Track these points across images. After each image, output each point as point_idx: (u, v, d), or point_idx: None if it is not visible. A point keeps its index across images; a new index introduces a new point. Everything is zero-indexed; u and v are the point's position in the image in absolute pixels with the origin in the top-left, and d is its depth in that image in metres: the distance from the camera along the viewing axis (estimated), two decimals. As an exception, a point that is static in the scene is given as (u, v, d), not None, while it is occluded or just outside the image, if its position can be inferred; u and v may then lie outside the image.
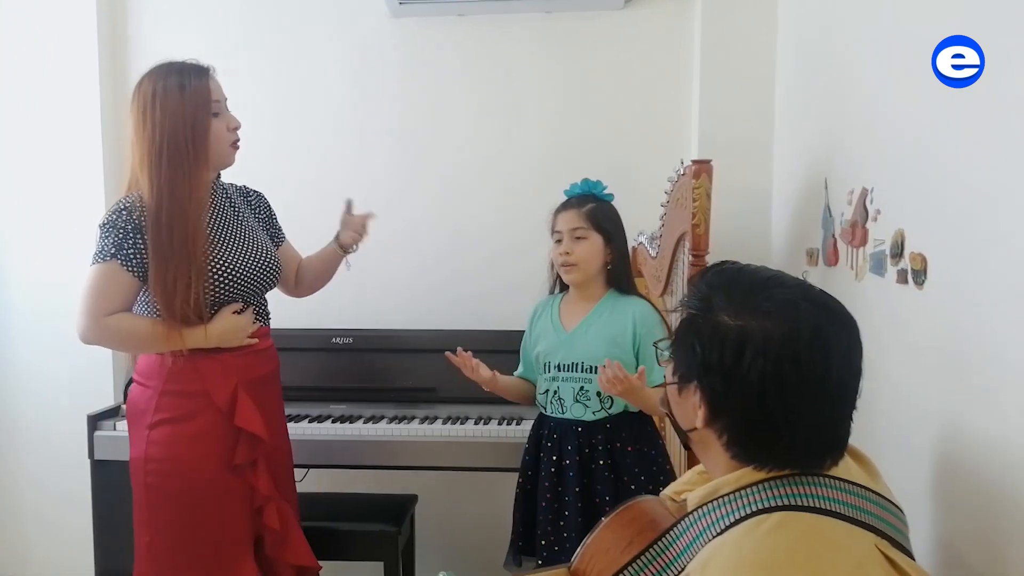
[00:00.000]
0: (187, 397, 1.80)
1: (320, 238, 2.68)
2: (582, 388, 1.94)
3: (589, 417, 1.94)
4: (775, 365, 0.91)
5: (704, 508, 0.97)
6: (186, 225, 1.76)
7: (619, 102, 2.64)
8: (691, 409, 0.99)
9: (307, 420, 2.35)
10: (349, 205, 2.13)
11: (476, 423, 2.30)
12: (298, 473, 2.49)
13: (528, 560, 1.97)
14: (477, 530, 2.75)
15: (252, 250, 1.91)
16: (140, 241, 1.76)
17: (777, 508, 0.91)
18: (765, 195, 2.47)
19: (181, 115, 1.75)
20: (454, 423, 2.30)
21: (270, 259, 1.96)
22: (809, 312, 0.93)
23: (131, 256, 1.75)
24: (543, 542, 1.91)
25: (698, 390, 0.98)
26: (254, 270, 1.89)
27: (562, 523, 1.89)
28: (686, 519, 1.00)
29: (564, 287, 2.07)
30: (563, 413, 1.96)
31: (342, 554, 2.28)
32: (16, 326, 2.82)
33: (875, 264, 1.62)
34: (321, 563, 2.53)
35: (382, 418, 2.34)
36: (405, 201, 2.72)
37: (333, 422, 2.33)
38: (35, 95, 2.75)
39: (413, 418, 2.34)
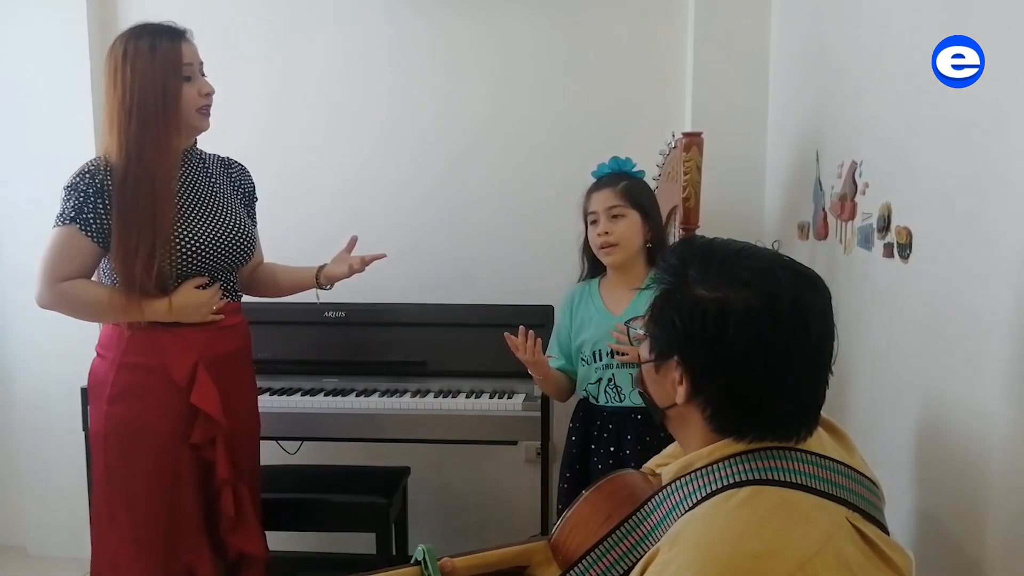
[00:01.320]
0: (145, 371, 1.77)
1: (310, 216, 2.70)
2: None
3: None
4: (758, 333, 0.91)
5: (677, 483, 0.98)
6: (153, 191, 1.72)
7: (613, 74, 2.61)
8: (670, 386, 0.99)
9: (299, 393, 2.36)
10: (352, 243, 2.10)
11: (468, 396, 2.30)
12: (291, 446, 2.52)
13: None
14: (470, 502, 2.77)
15: (224, 224, 1.86)
16: (101, 205, 1.72)
17: (748, 482, 0.91)
18: (759, 167, 2.46)
19: (151, 77, 1.71)
20: (445, 396, 2.31)
21: (243, 234, 1.90)
22: (787, 279, 0.94)
23: (90, 221, 1.73)
24: None
25: (679, 365, 0.97)
26: (224, 245, 1.85)
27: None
28: (659, 493, 1.01)
29: (595, 272, 2.01)
30: (621, 401, 1.89)
31: (335, 525, 2.30)
32: (10, 300, 2.82)
33: (863, 238, 1.61)
34: (315, 534, 2.58)
35: (374, 391, 2.35)
36: (397, 174, 2.71)
37: (325, 395, 2.34)
38: (25, 60, 2.72)
39: (405, 391, 2.34)
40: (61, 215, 1.74)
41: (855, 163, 1.66)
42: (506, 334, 1.86)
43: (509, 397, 2.28)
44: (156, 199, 1.72)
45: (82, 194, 1.73)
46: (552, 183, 2.59)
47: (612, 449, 1.89)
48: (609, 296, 1.95)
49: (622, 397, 1.89)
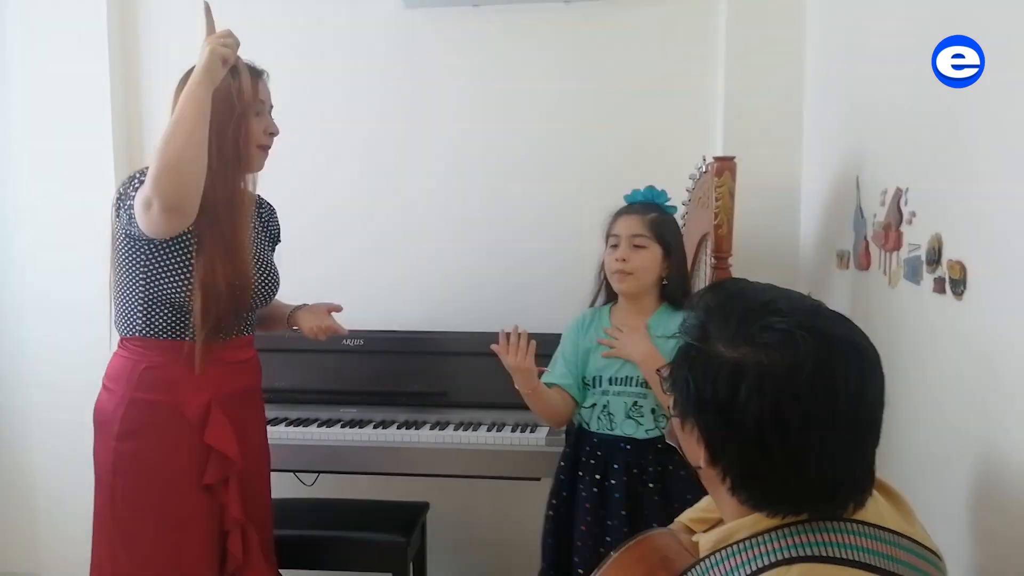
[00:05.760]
0: (155, 407, 1.70)
1: (330, 242, 2.64)
2: (635, 403, 1.82)
3: (641, 435, 1.80)
4: (773, 403, 0.82)
5: (718, 555, 0.88)
6: (240, 220, 1.71)
7: (640, 96, 2.52)
8: (695, 445, 0.90)
9: (316, 424, 2.29)
10: (334, 309, 1.98)
11: (489, 429, 2.22)
12: (308, 477, 2.45)
13: None
14: (491, 540, 2.67)
15: (258, 266, 1.83)
16: None
17: (798, 559, 0.81)
18: (794, 193, 2.35)
19: (230, 107, 1.66)
20: (466, 429, 2.22)
21: (272, 277, 1.88)
22: (809, 344, 0.83)
23: None
24: (580, 571, 1.78)
25: (695, 428, 0.89)
26: (256, 285, 1.81)
27: (603, 550, 1.74)
28: (699, 566, 0.91)
29: (608, 299, 1.95)
30: (611, 429, 1.83)
31: (350, 564, 2.21)
32: (29, 321, 2.79)
33: (910, 271, 1.51)
34: (328, 573, 2.49)
35: (392, 423, 2.27)
36: (417, 199, 2.64)
37: (342, 427, 2.27)
38: (45, 81, 2.70)
39: (424, 423, 2.27)
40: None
41: (900, 190, 1.56)
42: (492, 347, 1.77)
43: (532, 431, 2.19)
44: (243, 228, 1.72)
45: None
46: (579, 208, 2.50)
47: (598, 477, 1.83)
48: (616, 322, 1.89)
49: (613, 425, 1.84)
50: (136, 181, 1.65)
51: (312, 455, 2.24)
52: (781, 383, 0.82)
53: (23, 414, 2.83)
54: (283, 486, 2.38)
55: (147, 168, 1.64)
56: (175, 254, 1.68)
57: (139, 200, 1.58)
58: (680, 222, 2.11)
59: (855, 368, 0.84)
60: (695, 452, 0.91)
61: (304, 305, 1.99)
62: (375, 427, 2.26)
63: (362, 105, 2.65)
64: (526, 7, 2.55)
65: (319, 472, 2.40)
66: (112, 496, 1.72)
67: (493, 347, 1.77)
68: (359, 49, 2.64)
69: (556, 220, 2.57)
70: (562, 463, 1.92)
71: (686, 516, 1.16)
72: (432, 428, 2.24)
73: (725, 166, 1.86)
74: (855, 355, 0.85)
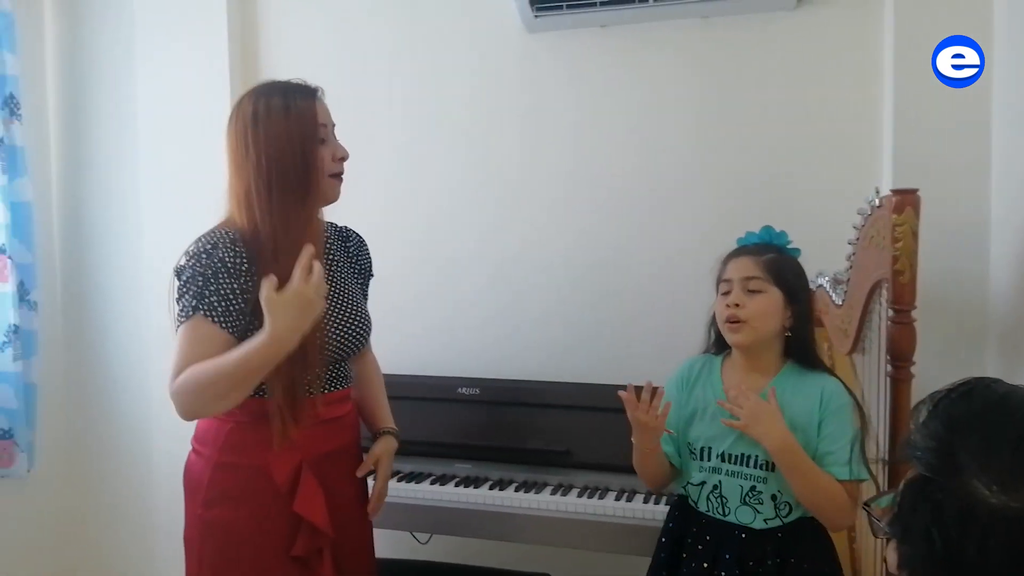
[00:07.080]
0: (242, 472, 1.54)
1: (432, 274, 2.48)
2: (753, 488, 1.54)
3: (759, 525, 1.54)
4: None
5: None
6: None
7: (790, 119, 2.24)
8: None
9: (429, 480, 2.12)
10: None
11: (618, 498, 1.97)
12: (421, 538, 2.28)
13: None
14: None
15: (343, 308, 1.64)
16: (225, 283, 1.48)
17: None
18: (981, 233, 1.99)
19: (287, 139, 1.49)
20: (591, 495, 1.99)
21: (362, 321, 1.68)
22: None
23: (215, 305, 1.47)
24: None
25: None
26: (341, 332, 1.62)
27: None
28: None
29: (719, 348, 1.69)
30: (724, 515, 1.57)
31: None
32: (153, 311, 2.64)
33: None
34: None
35: (510, 483, 2.07)
36: (542, 234, 2.44)
37: (456, 485, 2.09)
38: (170, 78, 2.66)
39: (545, 485, 2.05)
40: (183, 311, 1.49)
41: None
42: (619, 393, 1.55)
43: (667, 503, 1.93)
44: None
45: (200, 277, 1.48)
46: (715, 248, 2.22)
47: (705, 566, 1.56)
48: (731, 381, 1.60)
49: (726, 510, 1.57)
50: (197, 266, 1.50)
51: (425, 515, 2.07)
52: None
53: (147, 449, 2.80)
54: (395, 545, 2.22)
55: (212, 238, 1.52)
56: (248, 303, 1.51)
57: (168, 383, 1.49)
58: (846, 264, 1.83)
59: None
60: None
61: (391, 432, 1.77)
62: (491, 487, 2.06)
63: (480, 136, 2.49)
64: (659, 25, 2.32)
65: (432, 534, 2.23)
66: (200, 568, 1.58)
67: (621, 394, 1.56)
68: (478, 77, 2.49)
69: (691, 262, 2.29)
70: (663, 539, 1.67)
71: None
72: (554, 492, 2.02)
73: (907, 201, 1.56)
74: None
